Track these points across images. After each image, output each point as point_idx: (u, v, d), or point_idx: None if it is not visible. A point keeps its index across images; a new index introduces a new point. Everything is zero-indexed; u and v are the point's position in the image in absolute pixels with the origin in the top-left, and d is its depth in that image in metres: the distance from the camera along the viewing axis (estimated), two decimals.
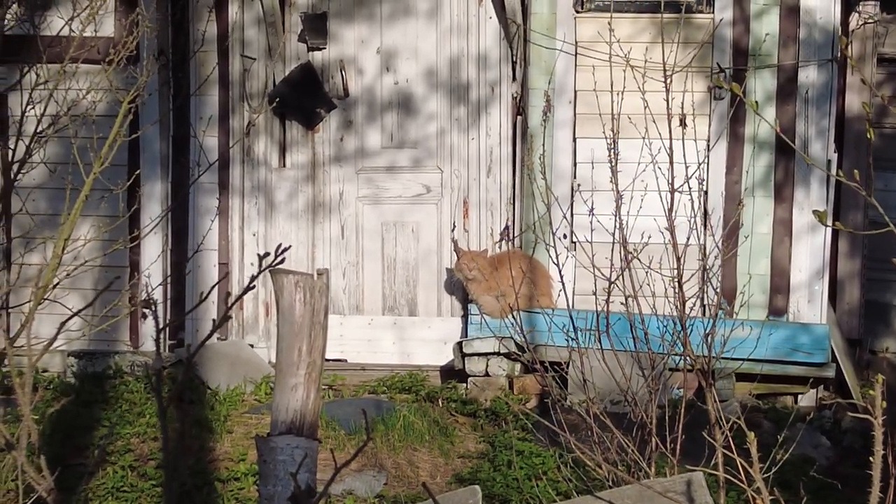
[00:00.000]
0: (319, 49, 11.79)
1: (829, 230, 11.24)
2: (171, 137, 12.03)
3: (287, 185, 12.01)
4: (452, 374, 11.21)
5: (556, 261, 9.77)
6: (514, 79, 11.65)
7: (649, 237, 8.45)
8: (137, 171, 11.34)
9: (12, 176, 9.41)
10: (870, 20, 11.92)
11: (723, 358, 7.79)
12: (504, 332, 9.79)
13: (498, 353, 10.81)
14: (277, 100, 11.14)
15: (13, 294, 9.21)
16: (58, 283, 9.17)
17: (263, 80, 11.79)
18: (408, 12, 11.78)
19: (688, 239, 7.78)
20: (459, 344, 11.13)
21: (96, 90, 10.07)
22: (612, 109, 8.44)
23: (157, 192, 11.98)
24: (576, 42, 11.39)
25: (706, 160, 10.75)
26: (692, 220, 8.66)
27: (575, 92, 11.44)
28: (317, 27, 11.79)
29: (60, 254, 9.13)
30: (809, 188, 11.38)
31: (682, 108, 8.56)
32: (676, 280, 7.63)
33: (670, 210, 7.54)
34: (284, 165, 11.93)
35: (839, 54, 11.20)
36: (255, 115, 11.71)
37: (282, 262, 5.44)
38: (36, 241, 10.03)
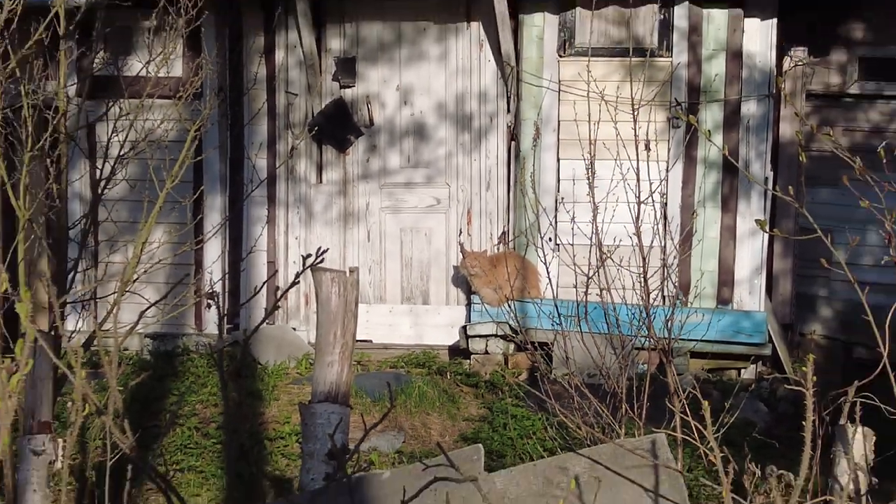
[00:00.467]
0: (349, 87, 11.67)
1: (767, 235, 11.23)
2: (228, 159, 11.99)
3: (323, 198, 11.87)
4: (458, 352, 11.22)
5: (543, 260, 8.80)
6: (508, 111, 11.54)
7: (620, 241, 8.38)
8: (201, 187, 11.12)
9: (99, 191, 9.37)
10: (799, 63, 11.91)
11: (680, 339, 7.81)
12: (501, 317, 10.08)
13: (496, 335, 10.72)
14: (315, 128, 11.22)
15: (100, 287, 9.35)
16: (137, 279, 9.17)
17: (304, 112, 11.70)
18: (422, 56, 11.67)
19: (651, 242, 7.76)
20: (464, 328, 11.18)
21: (168, 121, 10.05)
22: (590, 136, 8.46)
23: (217, 204, 11.92)
24: (559, 81, 11.35)
25: (666, 178, 10.25)
26: (655, 226, 8.63)
27: (558, 122, 11.33)
28: (347, 69, 11.72)
29: (139, 254, 9.10)
30: (750, 201, 11.33)
31: (647, 134, 8.57)
32: (642, 276, 7.74)
33: (637, 218, 7.15)
34: (321, 182, 11.82)
35: (775, 91, 11.20)
36: (297, 140, 11.72)
37: (321, 261, 5.49)
38: (118, 244, 10.44)
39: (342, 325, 5.71)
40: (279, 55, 11.76)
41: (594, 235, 8.58)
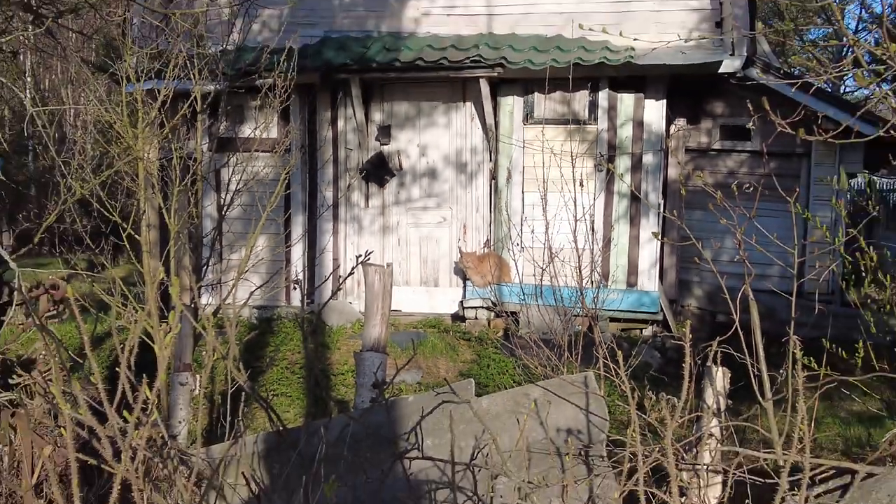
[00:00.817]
0: (386, 144, 11.60)
1: (659, 242, 11.15)
2: (307, 192, 11.96)
3: (369, 217, 11.79)
4: (457, 318, 11.28)
5: (513, 257, 9.67)
6: (490, 160, 11.40)
7: (563, 245, 8.36)
8: (289, 210, 11.73)
9: (223, 213, 9.34)
10: (680, 129, 11.66)
11: (602, 310, 8.19)
12: (485, 295, 10.85)
13: (482, 307, 10.91)
14: (364, 172, 11.58)
15: (223, 276, 9.79)
16: (247, 270, 9.13)
17: (356, 161, 11.62)
18: (434, 125, 11.49)
19: (584, 246, 7.76)
20: (461, 302, 11.16)
21: (268, 167, 10.33)
22: (543, 176, 8.39)
23: (299, 221, 11.88)
24: (523, 140, 11.23)
25: (593, 204, 10.58)
26: (586, 236, 8.61)
27: (523, 167, 11.18)
28: (385, 132, 11.62)
29: (248, 254, 9.00)
30: (649, 219, 11.06)
31: (581, 176, 8.61)
32: (577, 268, 7.58)
33: (574, 230, 7.57)
34: (367, 206, 11.72)
35: (664, 147, 11.24)
36: (352, 179, 11.91)
37: (367, 259, 5.57)
38: (235, 247, 11.02)
39: (381, 301, 5.93)
40: (340, 123, 11.60)
41: (546, 242, 8.56)
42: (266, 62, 9.28)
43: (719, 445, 4.06)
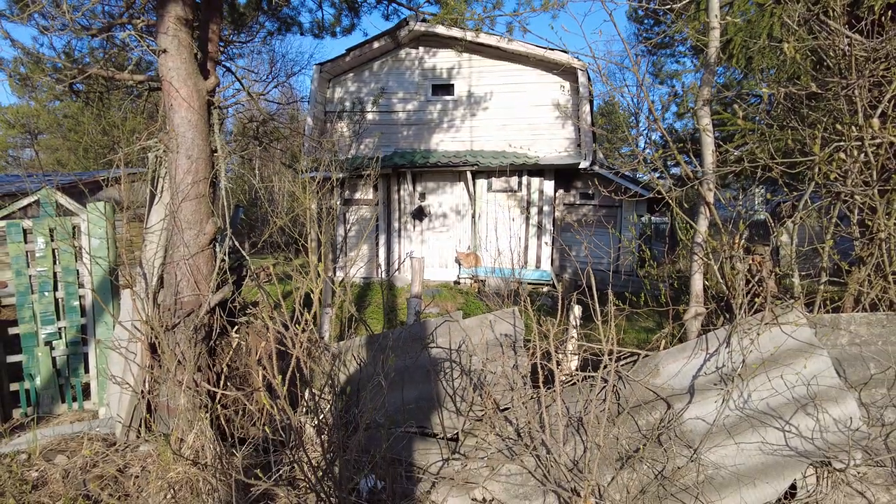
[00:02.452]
0: (422, 201, 13.91)
1: (550, 247, 13.26)
2: (387, 223, 14.07)
3: (414, 236, 13.97)
4: (456, 283, 13.22)
5: (482, 254, 12.19)
6: (471, 208, 13.68)
7: (506, 248, 11.72)
8: (377, 233, 14.04)
9: (345, 232, 11.89)
10: (562, 194, 13.60)
11: (523, 279, 10.85)
12: (470, 273, 12.65)
13: (468, 278, 13.03)
14: (412, 214, 13.84)
15: (346, 261, 12.42)
16: (356, 259, 13.83)
17: (408, 209, 13.83)
18: (445, 192, 13.85)
19: (523, 248, 11.72)
20: (458, 275, 13.35)
21: (368, 212, 12.88)
22: (495, 216, 10.85)
23: (382, 238, 14.11)
24: (487, 201, 13.57)
25: (522, 230, 13.10)
26: (520, 244, 13.33)
27: (487, 213, 13.59)
28: (422, 196, 13.94)
29: (357, 253, 13.73)
30: (546, 236, 13.17)
31: (514, 217, 10.69)
32: (514, 260, 10.93)
33: (510, 244, 10.46)
34: (414, 230, 14.02)
35: (553, 203, 13.28)
36: (406, 217, 13.94)
37: (411, 255, 8.70)
38: (352, 250, 13.26)
39: (419, 275, 7.23)
40: (401, 191, 13.95)
41: (497, 248, 13.46)
42: (366, 163, 12.28)
43: (575, 341, 4.58)
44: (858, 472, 3.17)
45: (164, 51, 4.04)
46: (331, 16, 7.31)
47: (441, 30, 12.93)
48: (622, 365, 3.52)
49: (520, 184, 13.67)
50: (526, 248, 13.59)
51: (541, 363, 3.64)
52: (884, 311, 3.41)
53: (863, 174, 2.90)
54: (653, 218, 15.92)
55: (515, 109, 13.51)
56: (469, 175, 13.39)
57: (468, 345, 4.00)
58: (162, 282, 4.37)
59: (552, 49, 11.98)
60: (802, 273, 3.30)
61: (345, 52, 13.52)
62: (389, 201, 14.13)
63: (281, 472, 3.56)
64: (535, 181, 13.58)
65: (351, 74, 14.34)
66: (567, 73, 12.93)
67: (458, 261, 13.68)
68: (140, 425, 4.09)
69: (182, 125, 4.12)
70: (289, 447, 3.91)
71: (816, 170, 2.88)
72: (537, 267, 13.57)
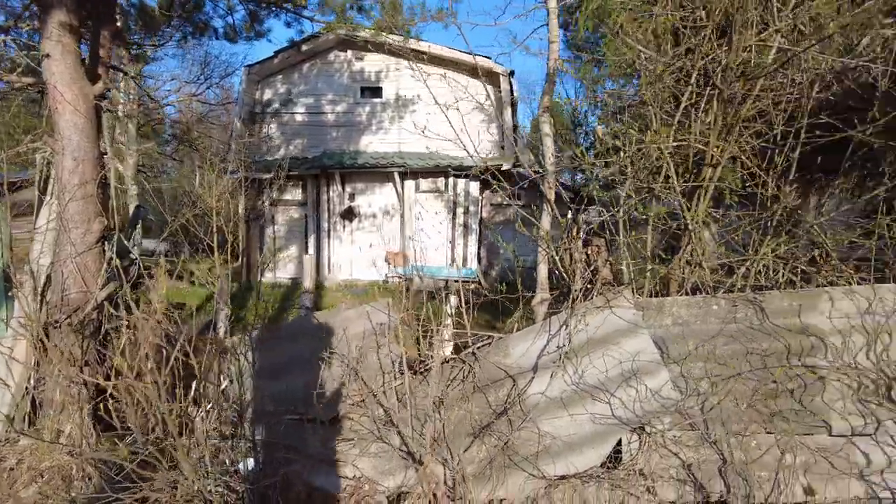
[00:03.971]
0: (352, 202, 14.17)
1: (478, 245, 13.85)
2: (316, 224, 14.15)
3: (344, 236, 14.21)
4: (385, 281, 13.66)
5: (411, 254, 12.67)
6: (400, 209, 14.07)
7: (435, 247, 13.69)
8: (306, 234, 14.05)
9: (274, 235, 14.31)
10: (489, 195, 14.22)
11: (452, 277, 11.53)
12: (398, 272, 13.12)
13: (395, 276, 13.53)
14: (342, 215, 14.04)
15: (274, 264, 14.15)
16: (282, 259, 14.01)
17: (338, 210, 14.03)
18: (373, 192, 14.14)
19: (450, 247, 12.74)
20: (387, 274, 13.86)
21: (298, 213, 13.17)
22: (424, 218, 12.26)
23: (311, 239, 14.19)
24: (415, 202, 13.85)
25: (449, 228, 13.61)
26: (448, 243, 13.88)
27: (416, 213, 13.98)
28: (351, 197, 14.17)
29: (281, 255, 13.93)
30: (473, 235, 13.76)
31: (442, 218, 12.16)
32: (447, 258, 12.67)
33: (443, 242, 10.92)
34: (344, 230, 14.21)
35: (480, 203, 13.89)
36: (335, 218, 14.09)
37: (306, 256, 9.83)
38: (281, 250, 13.34)
39: (311, 272, 7.71)
40: (330, 192, 14.10)
41: (426, 247, 13.88)
42: (295, 164, 12.83)
43: (451, 329, 5.07)
44: (674, 436, 3.60)
45: (48, 55, 4.18)
46: (241, 22, 7.45)
47: (366, 34, 13.15)
48: (478, 348, 3.84)
49: (446, 185, 14.11)
50: (453, 246, 14.02)
51: (417, 349, 3.95)
52: (703, 294, 3.87)
53: (667, 174, 3.32)
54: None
55: (441, 112, 13.93)
56: (397, 176, 13.76)
57: (348, 335, 4.24)
58: (50, 280, 4.47)
59: (475, 55, 12.31)
60: (632, 261, 3.72)
61: (273, 55, 13.59)
62: (319, 202, 14.34)
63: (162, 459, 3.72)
64: (461, 182, 14.05)
65: (280, 76, 14.51)
66: (492, 78, 13.45)
67: (387, 260, 14.05)
68: (23, 421, 4.19)
69: (67, 128, 4.27)
70: (168, 434, 4.06)
71: (629, 170, 3.29)
72: (464, 265, 14.07)
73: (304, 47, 13.41)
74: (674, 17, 3.39)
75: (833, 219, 3.54)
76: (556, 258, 3.60)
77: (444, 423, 3.70)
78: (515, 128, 13.86)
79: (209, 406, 4.62)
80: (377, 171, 13.73)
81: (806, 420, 3.76)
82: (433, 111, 14.13)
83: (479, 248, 14.05)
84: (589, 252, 3.79)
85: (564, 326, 3.75)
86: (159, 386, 3.15)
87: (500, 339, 3.84)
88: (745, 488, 3.56)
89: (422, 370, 4.13)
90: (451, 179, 13.86)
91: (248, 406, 4.21)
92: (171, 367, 3.71)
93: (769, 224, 3.40)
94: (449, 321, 4.99)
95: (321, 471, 3.85)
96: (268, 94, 14.51)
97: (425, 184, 13.92)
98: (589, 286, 3.58)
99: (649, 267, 3.61)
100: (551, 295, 3.89)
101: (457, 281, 12.87)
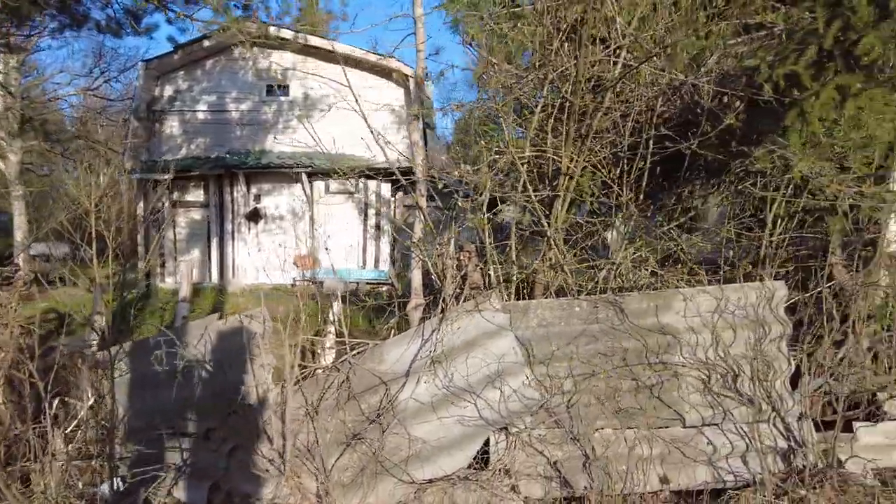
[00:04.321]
0: (258, 203, 13.98)
1: (392, 247, 13.75)
2: (219, 226, 13.79)
3: (249, 238, 13.91)
4: (292, 285, 13.14)
5: (321, 256, 12.68)
6: (309, 210, 13.86)
7: (347, 250, 13.50)
8: (209, 237, 13.75)
9: (175, 237, 14.01)
10: (401, 196, 14.03)
11: (363, 280, 11.75)
12: (307, 276, 12.84)
13: (305, 280, 13.04)
14: (248, 216, 13.84)
15: (176, 268, 13.98)
16: (183, 261, 13.66)
17: (243, 212, 13.77)
18: (280, 193, 14.00)
19: (361, 249, 12.58)
20: (294, 277, 13.50)
21: (200, 215, 13.95)
22: (334, 220, 11.74)
23: (214, 242, 13.83)
24: (325, 203, 13.85)
25: (361, 230, 13.67)
26: (359, 245, 13.79)
27: (326, 215, 13.84)
28: (257, 198, 14.00)
29: (176, 261, 13.53)
30: (385, 237, 13.72)
31: (357, 216, 12.15)
32: (359, 261, 12.57)
33: (354, 244, 11.31)
34: (249, 232, 13.96)
35: (393, 204, 13.84)
36: (240, 220, 13.86)
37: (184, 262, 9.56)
38: (182, 254, 12.90)
39: (188, 278, 8.06)
40: (235, 192, 13.84)
41: (335, 249, 13.75)
42: (197, 164, 12.92)
43: (333, 337, 4.86)
44: (540, 435, 3.71)
45: None
46: (122, 16, 7.06)
47: (271, 30, 12.82)
48: (354, 355, 3.83)
49: (357, 186, 14.09)
50: (364, 248, 14.05)
51: (298, 358, 3.84)
52: (570, 297, 4.02)
53: (525, 184, 3.44)
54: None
55: (352, 113, 13.80)
56: (305, 177, 13.63)
57: (223, 346, 4.15)
58: None
59: (383, 56, 12.32)
60: (500, 266, 3.82)
61: (173, 49, 12.98)
62: (222, 203, 14.04)
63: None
64: (373, 184, 14.07)
65: (182, 72, 14.01)
66: (402, 80, 13.58)
67: (295, 263, 13.94)
68: None
69: None
70: (24, 457, 3.81)
71: (486, 179, 3.38)
72: (376, 267, 14.11)
73: (207, 43, 12.97)
74: (526, 31, 3.52)
75: (684, 225, 3.77)
76: (430, 264, 3.65)
77: (316, 433, 3.66)
78: (427, 129, 13.76)
79: (73, 425, 4.37)
80: (284, 172, 13.58)
81: (662, 414, 3.99)
82: (344, 111, 13.89)
83: (392, 249, 14.12)
84: (461, 258, 3.87)
85: (436, 331, 3.79)
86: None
87: (375, 346, 3.84)
88: (607, 481, 3.73)
89: (299, 379, 4.05)
90: (362, 180, 13.88)
91: (118, 423, 4.00)
92: (30, 384, 3.44)
93: (624, 229, 3.58)
94: (331, 328, 4.94)
95: (191, 485, 3.71)
96: (168, 91, 14.02)
97: (335, 184, 13.87)
98: (460, 291, 3.65)
99: (515, 271, 3.73)
100: (426, 300, 3.93)
101: (368, 283, 13.15)
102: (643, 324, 4.00)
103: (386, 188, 14.06)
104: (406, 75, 13.22)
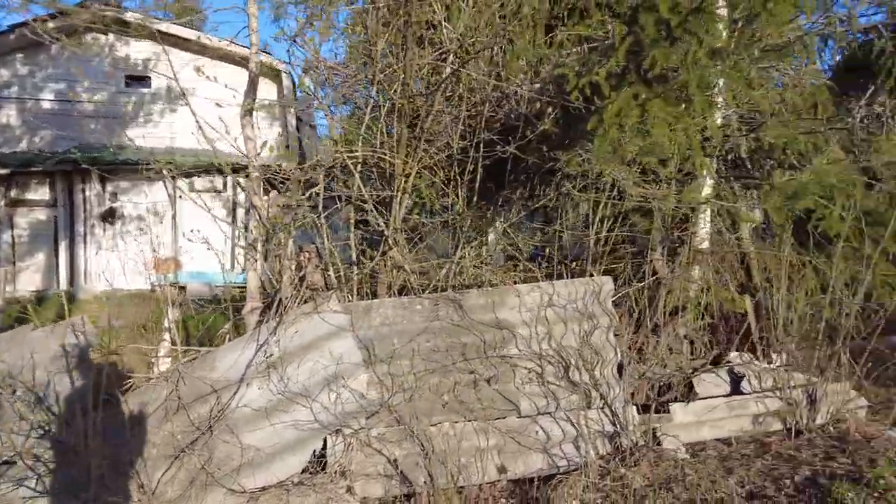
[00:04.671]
0: (114, 202, 13.32)
1: (263, 247, 14.77)
2: (70, 228, 12.95)
3: (104, 240, 13.19)
4: (153, 290, 11.86)
5: (184, 260, 12.71)
6: (172, 212, 13.39)
7: (214, 252, 12.96)
8: (56, 239, 12.98)
9: (14, 239, 12.72)
10: (275, 195, 15.56)
11: (231, 283, 12.76)
12: (169, 280, 11.32)
13: (167, 284, 10.65)
14: (102, 217, 13.07)
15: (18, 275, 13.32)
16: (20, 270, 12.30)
17: (98, 211, 13.01)
18: (140, 191, 13.34)
19: (230, 251, 12.56)
20: (153, 282, 12.08)
21: (45, 215, 13.62)
22: (199, 220, 12.11)
23: (63, 245, 12.97)
24: (189, 202, 12.00)
25: (229, 230, 12.88)
26: (227, 246, 13.32)
27: (190, 215, 13.23)
28: (113, 197, 13.28)
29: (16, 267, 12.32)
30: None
31: (225, 216, 12.79)
32: (228, 263, 12.49)
33: (222, 246, 11.83)
34: (104, 233, 13.20)
35: (268, 205, 14.90)
36: (93, 220, 13.08)
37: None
38: (23, 258, 13.73)
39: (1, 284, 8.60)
40: (87, 191, 13.06)
41: (200, 251, 13.02)
42: (40, 158, 11.90)
43: (168, 345, 4.71)
44: (379, 434, 3.70)
45: None
46: None
47: (129, 16, 11.92)
48: (184, 363, 3.62)
49: (225, 184, 13.65)
50: (233, 250, 13.18)
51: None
52: (413, 296, 4.04)
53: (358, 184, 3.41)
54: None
55: (222, 108, 13.16)
56: (167, 174, 12.47)
57: (35, 358, 3.85)
58: None
59: (252, 49, 11.80)
60: (345, 265, 3.77)
61: (9, 29, 11.71)
62: (73, 202, 13.16)
63: None
64: (243, 181, 13.52)
65: (21, 55, 12.89)
66: (274, 75, 13.30)
67: (156, 266, 13.08)
68: None
69: None
70: None
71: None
72: (244, 270, 13.55)
73: (52, 24, 11.73)
74: (353, 29, 3.52)
75: (516, 224, 3.92)
76: (266, 265, 3.52)
77: (143, 446, 3.42)
78: (300, 126, 13.70)
79: None
80: (145, 168, 12.57)
81: (500, 406, 4.14)
82: (212, 105, 13.26)
83: (266, 251, 13.53)
84: (301, 258, 3.79)
85: (273, 334, 3.68)
86: None
87: (207, 353, 3.67)
88: (446, 474, 3.80)
89: (124, 391, 3.78)
90: (229, 178, 13.47)
91: None
92: None
93: (461, 229, 3.68)
94: (167, 336, 4.67)
95: None
96: (4, 75, 12.87)
97: (201, 183, 13.37)
98: (298, 292, 3.57)
99: (356, 271, 3.71)
100: (263, 303, 3.81)
101: (236, 287, 12.74)
102: (482, 319, 4.14)
103: (257, 184, 13.55)
104: (279, 70, 12.80)
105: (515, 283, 4.20)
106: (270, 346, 3.71)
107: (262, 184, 3.77)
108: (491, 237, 5.36)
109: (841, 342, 4.59)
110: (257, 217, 3.81)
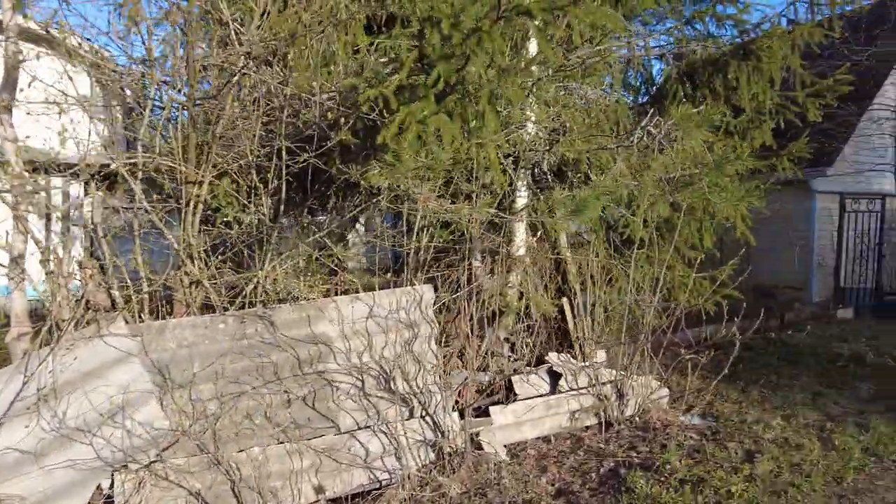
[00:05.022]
0: None
1: (91, 256, 14.50)
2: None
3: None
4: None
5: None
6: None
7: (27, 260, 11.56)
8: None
9: None
10: (95, 198, 15.04)
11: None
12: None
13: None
14: None
15: None
16: None
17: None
18: None
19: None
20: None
21: None
22: (6, 225, 11.38)
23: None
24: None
25: (42, 238, 14.06)
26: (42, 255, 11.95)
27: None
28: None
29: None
30: (76, 244, 13.84)
31: (39, 220, 11.67)
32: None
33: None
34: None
35: (94, 207, 14.50)
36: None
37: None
38: None
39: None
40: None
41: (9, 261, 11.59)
42: None
43: None
44: (178, 465, 3.36)
45: None
46: None
47: None
48: None
49: (38, 183, 12.04)
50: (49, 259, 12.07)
51: None
52: (217, 313, 3.73)
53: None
54: None
55: (38, 100, 11.95)
56: None
57: None
58: None
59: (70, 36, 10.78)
60: (133, 283, 3.37)
61: None
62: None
63: None
64: (59, 181, 12.33)
65: None
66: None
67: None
68: None
69: None
70: None
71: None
72: (8, 290, 12.36)
73: None
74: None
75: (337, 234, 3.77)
76: (33, 285, 3.06)
77: None
78: (130, 123, 12.78)
79: None
80: None
81: (317, 424, 3.98)
82: (24, 98, 12.07)
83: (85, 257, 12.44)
84: (81, 276, 3.34)
85: (47, 363, 3.21)
86: None
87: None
88: (259, 501, 3.56)
89: None
90: (46, 177, 11.87)
91: None
92: None
93: (267, 241, 3.45)
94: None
95: None
96: None
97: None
98: (76, 314, 3.13)
99: (145, 289, 3.34)
100: (33, 328, 3.32)
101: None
102: (296, 335, 3.95)
103: (76, 186, 12.52)
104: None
105: (336, 294, 4.06)
106: (42, 377, 3.24)
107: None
108: (351, 243, 5.20)
109: (643, 338, 4.97)
110: (21, 228, 3.33)
